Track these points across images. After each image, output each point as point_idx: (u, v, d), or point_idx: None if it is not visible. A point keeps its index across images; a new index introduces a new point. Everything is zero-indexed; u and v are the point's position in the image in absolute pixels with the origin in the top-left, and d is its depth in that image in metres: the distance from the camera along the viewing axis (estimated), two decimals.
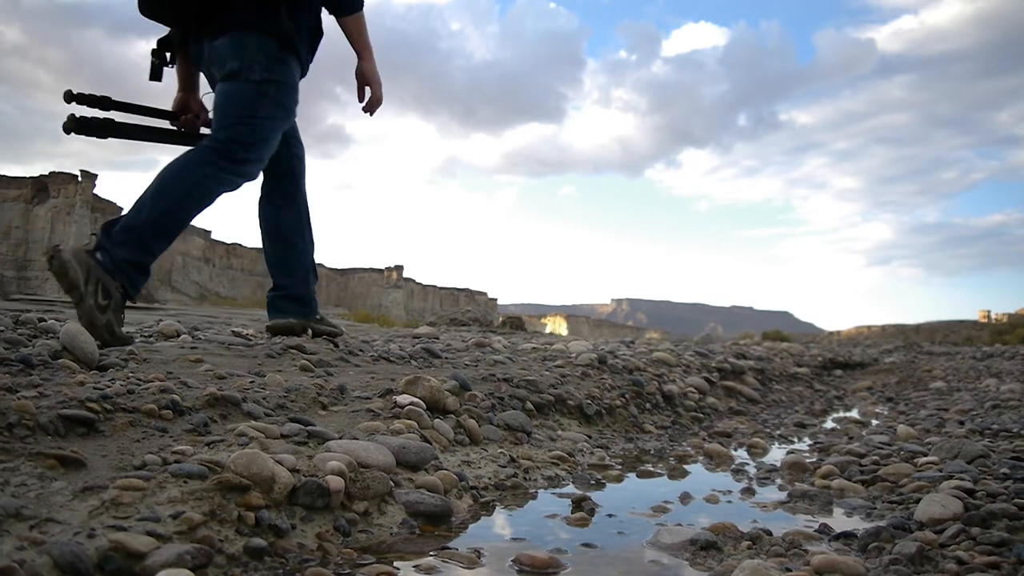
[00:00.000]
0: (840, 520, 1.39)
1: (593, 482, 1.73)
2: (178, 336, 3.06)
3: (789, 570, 1.02)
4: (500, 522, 1.34)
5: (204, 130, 2.79)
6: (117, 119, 2.59)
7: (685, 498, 1.56)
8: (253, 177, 2.61)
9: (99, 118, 2.57)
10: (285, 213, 2.87)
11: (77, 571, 0.85)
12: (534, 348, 3.78)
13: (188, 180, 2.44)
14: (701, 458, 2.14)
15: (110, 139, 2.62)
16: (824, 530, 1.25)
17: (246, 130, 2.51)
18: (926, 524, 1.19)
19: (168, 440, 1.33)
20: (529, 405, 2.33)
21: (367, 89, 2.84)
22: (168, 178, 2.44)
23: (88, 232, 47.73)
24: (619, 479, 1.79)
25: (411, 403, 1.81)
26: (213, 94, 2.64)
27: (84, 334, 2.00)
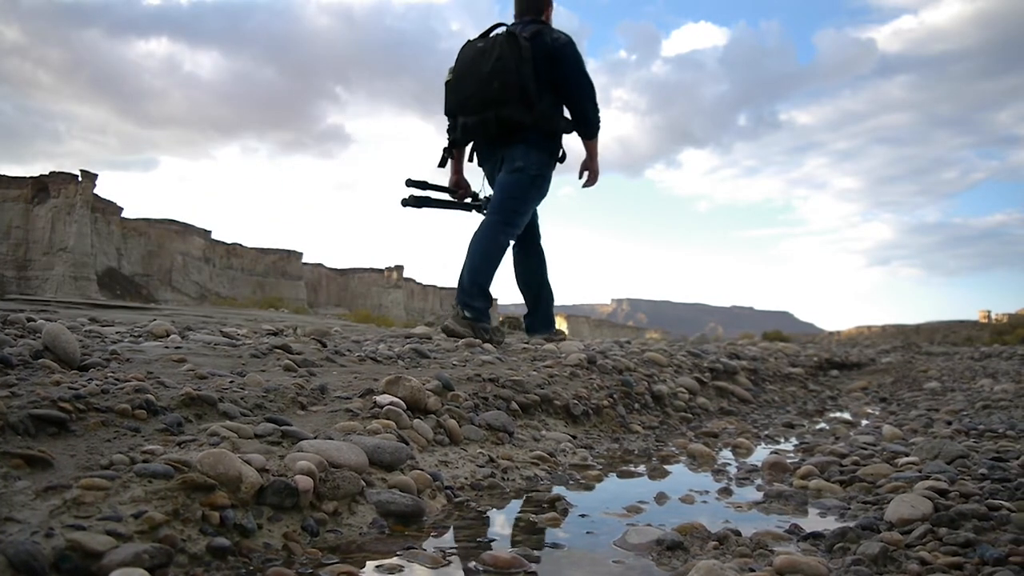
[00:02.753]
0: (813, 520, 1.39)
1: (572, 482, 1.73)
2: (167, 336, 3.06)
3: (752, 570, 1.02)
4: (471, 522, 1.34)
5: (472, 200, 4.30)
6: (432, 195, 4.14)
7: (661, 498, 1.56)
8: (516, 235, 4.05)
9: (422, 196, 4.11)
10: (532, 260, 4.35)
11: (32, 570, 0.85)
12: (524, 348, 3.78)
13: (492, 244, 3.90)
14: (684, 458, 2.14)
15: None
16: (794, 530, 1.24)
17: (520, 206, 3.94)
18: (895, 524, 1.19)
19: (139, 440, 1.33)
20: (514, 405, 2.32)
21: (586, 173, 4.28)
22: (480, 245, 3.88)
23: (87, 232, 47.72)
24: (598, 479, 1.78)
25: (391, 403, 1.81)
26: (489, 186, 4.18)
27: (65, 333, 2.00)
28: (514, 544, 1.19)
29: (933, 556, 1.02)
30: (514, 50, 3.67)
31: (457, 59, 3.93)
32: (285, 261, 64.91)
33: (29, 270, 47.53)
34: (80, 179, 48.61)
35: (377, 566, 1.07)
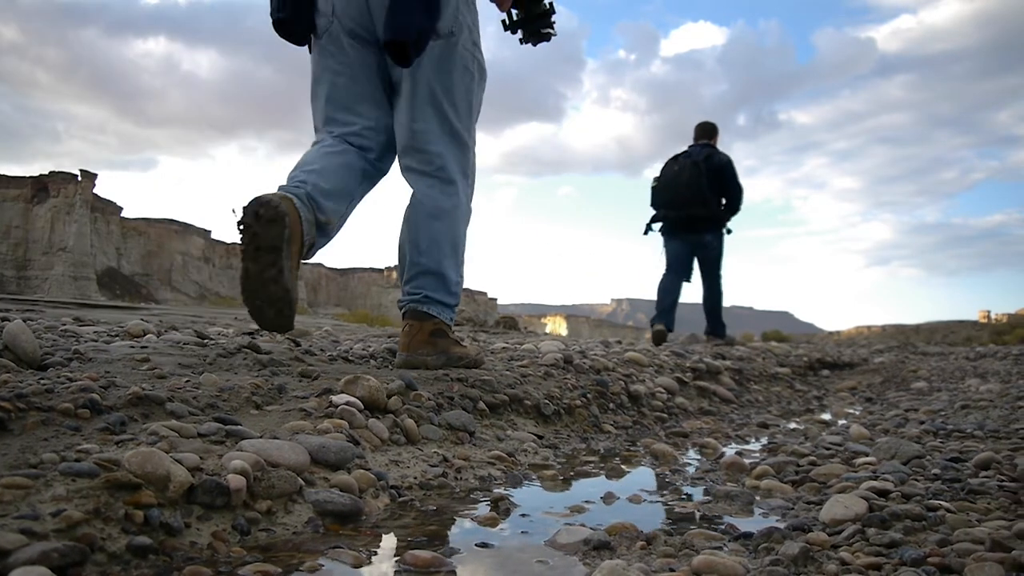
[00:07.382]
0: (755, 521, 1.38)
1: (525, 482, 1.72)
2: (143, 336, 3.06)
3: (672, 570, 1.01)
4: (410, 522, 1.34)
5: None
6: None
7: (608, 498, 1.55)
8: (724, 283, 7.25)
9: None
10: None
11: None
12: (503, 347, 3.77)
13: (719, 288, 7.10)
14: (647, 458, 2.13)
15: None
16: (727, 531, 1.24)
17: (719, 268, 7.01)
18: (828, 525, 1.18)
19: (78, 439, 1.33)
20: (481, 405, 2.31)
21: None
22: (714, 289, 7.12)
23: (87, 232, 47.74)
24: (553, 479, 1.78)
25: (346, 403, 1.81)
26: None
27: (25, 333, 1.99)
28: (444, 544, 1.18)
29: (854, 556, 1.02)
30: (699, 173, 6.60)
31: (662, 172, 6.90)
32: None
33: (29, 270, 47.59)
34: (79, 179, 48.66)
35: (298, 565, 1.07)
